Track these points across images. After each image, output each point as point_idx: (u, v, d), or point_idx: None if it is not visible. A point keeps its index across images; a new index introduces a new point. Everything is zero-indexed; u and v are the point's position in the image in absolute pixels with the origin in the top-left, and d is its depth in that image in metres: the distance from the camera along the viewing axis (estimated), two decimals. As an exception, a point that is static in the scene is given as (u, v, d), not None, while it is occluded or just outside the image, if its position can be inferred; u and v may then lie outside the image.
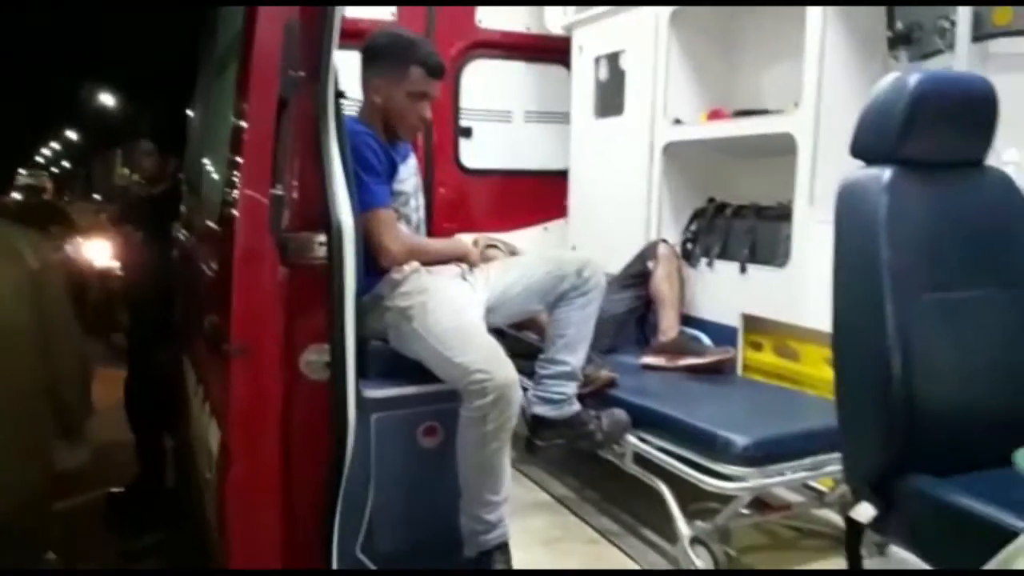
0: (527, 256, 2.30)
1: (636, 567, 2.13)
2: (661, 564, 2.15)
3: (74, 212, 7.57)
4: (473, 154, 3.67)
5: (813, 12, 2.36)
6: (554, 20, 3.51)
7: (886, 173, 1.45)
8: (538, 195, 3.67)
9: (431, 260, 2.12)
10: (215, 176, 2.31)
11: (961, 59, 2.04)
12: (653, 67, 2.97)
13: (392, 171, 2.14)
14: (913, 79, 1.44)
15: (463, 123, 3.65)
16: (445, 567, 1.95)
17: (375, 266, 2.03)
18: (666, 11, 2.91)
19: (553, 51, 3.56)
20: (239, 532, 1.68)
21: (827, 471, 1.99)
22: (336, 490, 1.69)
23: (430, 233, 2.70)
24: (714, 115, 2.82)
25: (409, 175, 2.22)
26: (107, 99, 20.12)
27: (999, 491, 1.26)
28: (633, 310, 2.85)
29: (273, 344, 1.61)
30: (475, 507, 1.86)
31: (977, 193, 1.53)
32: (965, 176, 1.53)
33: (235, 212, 1.61)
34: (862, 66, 2.38)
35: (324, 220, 1.64)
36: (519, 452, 2.27)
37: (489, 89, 3.68)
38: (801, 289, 2.35)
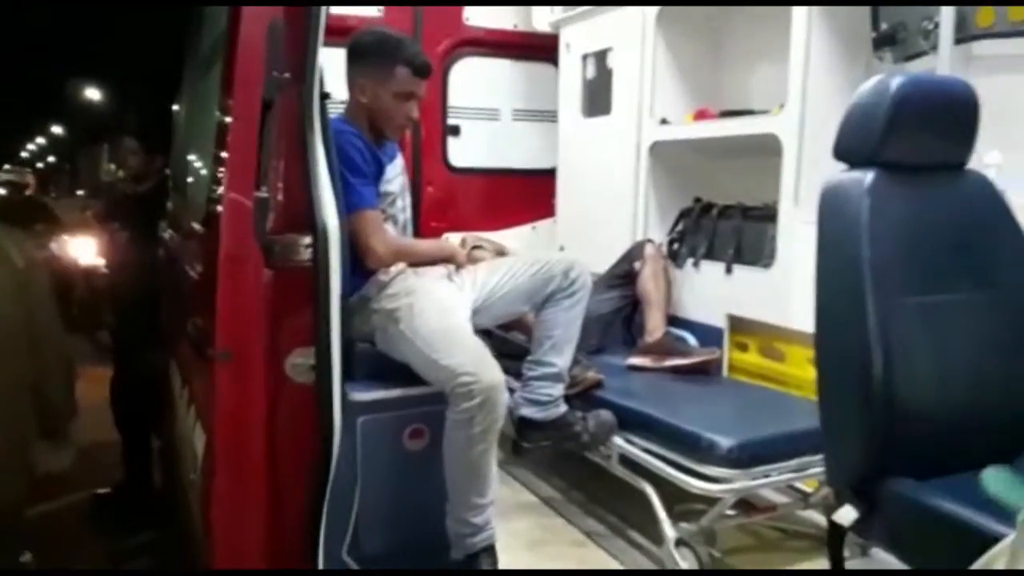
0: (514, 257, 2.30)
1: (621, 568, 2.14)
2: (646, 566, 2.15)
3: (59, 209, 7.51)
4: (461, 153, 3.66)
5: (798, 13, 2.37)
6: (541, 18, 3.50)
7: (868, 176, 1.45)
8: (526, 194, 3.66)
9: (418, 261, 2.12)
10: (199, 177, 2.29)
11: (944, 61, 2.05)
12: (640, 66, 2.97)
13: (379, 171, 2.13)
14: (895, 83, 1.44)
15: (451, 121, 3.64)
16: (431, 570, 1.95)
17: (362, 267, 2.02)
18: (653, 10, 2.91)
19: (541, 49, 3.56)
20: (224, 536, 1.68)
21: (811, 473, 2.00)
22: (322, 493, 1.68)
23: (417, 233, 2.70)
24: (700, 115, 2.83)
25: (396, 175, 2.22)
26: (92, 94, 19.95)
27: (978, 494, 1.27)
28: (620, 310, 2.86)
29: (258, 348, 1.60)
30: (461, 510, 1.86)
31: (958, 197, 1.54)
32: (946, 180, 1.54)
33: (219, 214, 1.60)
34: (847, 67, 2.39)
35: (309, 222, 1.64)
36: (506, 453, 2.28)
37: (477, 87, 3.67)
38: (786, 290, 2.36)
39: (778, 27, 2.45)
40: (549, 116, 3.58)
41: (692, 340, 2.73)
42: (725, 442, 1.91)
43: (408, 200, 2.28)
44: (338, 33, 2.03)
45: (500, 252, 2.47)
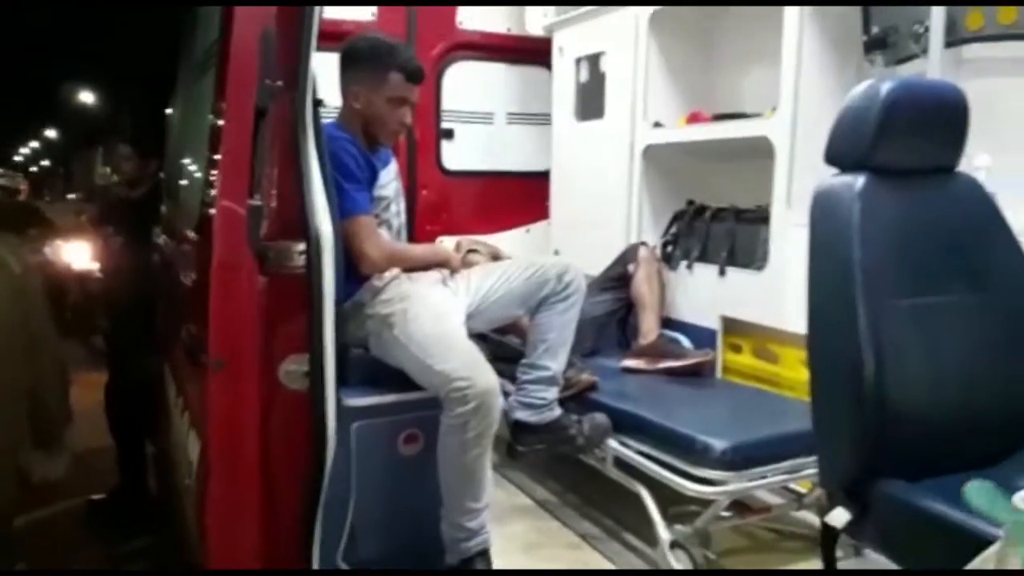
0: (508, 261, 2.31)
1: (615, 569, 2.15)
2: (641, 568, 2.16)
3: (53, 213, 7.48)
4: (455, 156, 3.66)
5: (790, 16, 2.38)
6: (535, 22, 3.51)
7: (859, 180, 1.46)
8: (520, 197, 3.66)
9: (412, 266, 2.12)
10: (193, 183, 2.30)
11: (934, 64, 2.06)
12: (633, 70, 2.98)
13: (372, 177, 2.13)
14: (885, 87, 1.45)
15: (445, 125, 3.64)
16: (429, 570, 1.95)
17: (356, 273, 2.02)
18: (645, 14, 2.92)
19: (534, 52, 3.56)
20: (219, 541, 1.68)
21: (805, 474, 2.01)
22: (316, 499, 1.69)
23: (412, 237, 2.70)
24: (693, 118, 2.83)
25: (390, 180, 2.22)
26: (87, 97, 19.90)
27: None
28: (614, 312, 2.87)
29: (252, 356, 1.61)
30: (456, 514, 1.86)
31: (948, 200, 1.55)
32: (937, 183, 1.55)
33: (213, 223, 1.60)
34: (838, 70, 2.40)
35: (303, 229, 1.64)
36: (500, 456, 2.28)
37: (471, 91, 3.67)
38: (779, 292, 2.37)
39: (770, 30, 2.46)
40: (543, 119, 3.58)
41: (686, 342, 2.74)
42: (719, 444, 1.92)
43: (402, 205, 2.29)
44: (332, 38, 2.03)
45: (495, 255, 2.47)
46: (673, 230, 2.95)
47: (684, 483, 1.97)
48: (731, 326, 2.66)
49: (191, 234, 2.07)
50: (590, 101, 3.25)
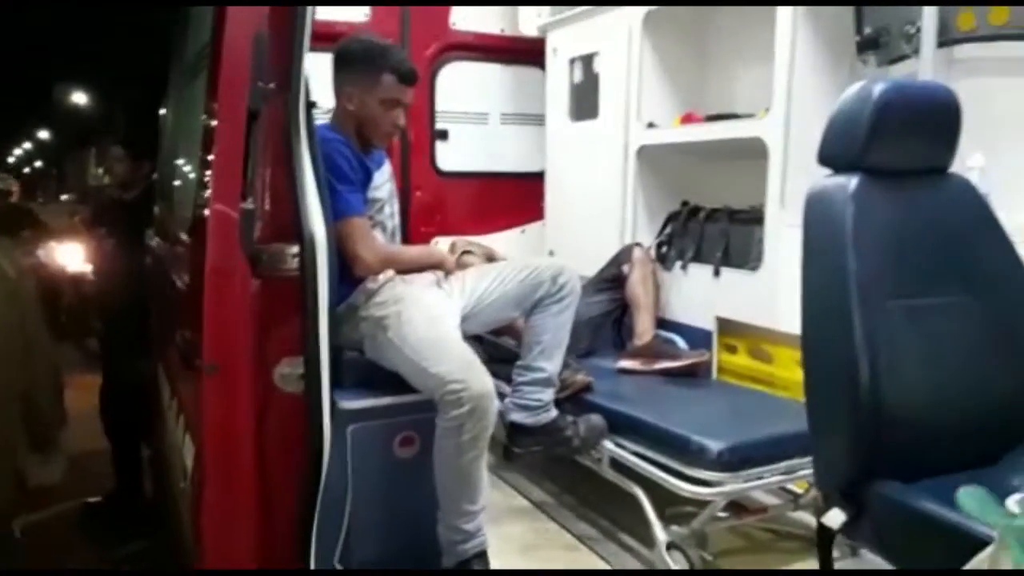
0: (503, 263, 2.30)
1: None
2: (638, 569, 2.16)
3: (45, 214, 7.45)
4: (450, 157, 3.66)
5: (783, 17, 2.38)
6: (528, 22, 3.51)
7: (852, 181, 1.46)
8: (515, 198, 3.67)
9: (406, 268, 2.12)
10: (185, 185, 2.29)
11: (926, 64, 2.06)
12: (626, 70, 2.98)
13: (366, 179, 2.13)
14: (877, 89, 1.45)
15: (439, 126, 3.63)
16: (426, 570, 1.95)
17: (350, 275, 2.02)
18: (639, 14, 2.92)
19: (528, 53, 3.56)
20: (214, 546, 1.68)
21: (801, 474, 2.01)
22: (313, 502, 1.69)
23: (407, 238, 2.70)
24: (687, 119, 2.84)
25: (383, 181, 2.22)
26: (79, 98, 19.83)
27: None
28: (609, 313, 2.87)
29: (246, 360, 1.60)
30: (453, 517, 1.86)
31: (942, 201, 1.55)
32: (930, 184, 1.55)
33: (205, 226, 1.60)
34: (832, 71, 2.41)
35: (296, 231, 1.64)
36: (497, 457, 2.28)
37: (465, 91, 3.67)
38: (774, 292, 2.37)
39: (763, 31, 2.46)
40: (537, 120, 3.58)
41: (681, 343, 2.75)
42: (715, 445, 1.92)
43: (396, 206, 2.29)
44: (325, 39, 2.03)
45: (489, 256, 2.47)
46: (667, 231, 2.95)
47: (680, 484, 1.97)
48: (726, 327, 2.67)
49: (184, 237, 2.07)
50: (584, 101, 3.25)
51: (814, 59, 2.39)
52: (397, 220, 2.28)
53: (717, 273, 2.65)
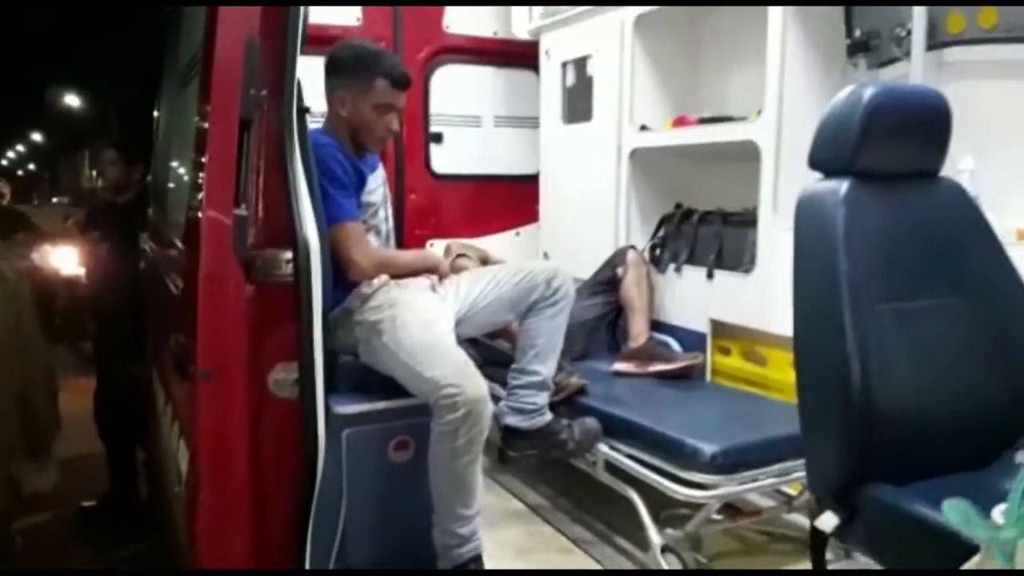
0: (497, 266, 2.31)
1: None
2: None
3: (38, 217, 7.43)
4: (444, 160, 3.66)
5: (774, 20, 2.39)
6: (521, 25, 3.51)
7: (843, 185, 1.47)
8: (510, 200, 3.67)
9: (400, 273, 2.12)
10: (178, 191, 2.29)
11: (916, 67, 2.07)
12: (619, 73, 2.99)
13: (360, 183, 2.13)
14: (867, 93, 1.46)
15: (433, 129, 3.63)
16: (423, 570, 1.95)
17: (344, 280, 2.02)
18: (631, 18, 2.93)
19: (521, 55, 3.56)
20: (209, 551, 1.68)
21: (795, 477, 2.01)
22: (307, 507, 1.69)
23: (401, 241, 2.70)
24: (679, 122, 2.84)
25: (377, 185, 2.22)
26: (72, 100, 19.77)
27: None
28: (603, 316, 2.87)
29: (240, 366, 1.61)
30: (448, 521, 1.87)
31: (932, 204, 1.56)
32: (920, 187, 1.56)
33: (199, 232, 1.60)
34: (823, 74, 2.42)
35: (290, 237, 1.64)
36: (492, 461, 2.28)
37: (459, 94, 3.67)
38: (767, 295, 2.38)
39: (756, 33, 2.47)
40: (531, 122, 3.59)
41: (675, 345, 2.75)
42: (708, 448, 1.93)
43: (390, 210, 2.29)
44: (318, 42, 2.03)
45: (484, 258, 2.48)
46: (661, 233, 2.96)
47: (674, 487, 1.97)
48: (720, 329, 2.67)
49: (178, 242, 2.07)
50: (577, 104, 3.25)
51: (805, 62, 2.40)
52: (391, 224, 2.28)
53: (711, 275, 2.66)
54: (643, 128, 2.94)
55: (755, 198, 2.46)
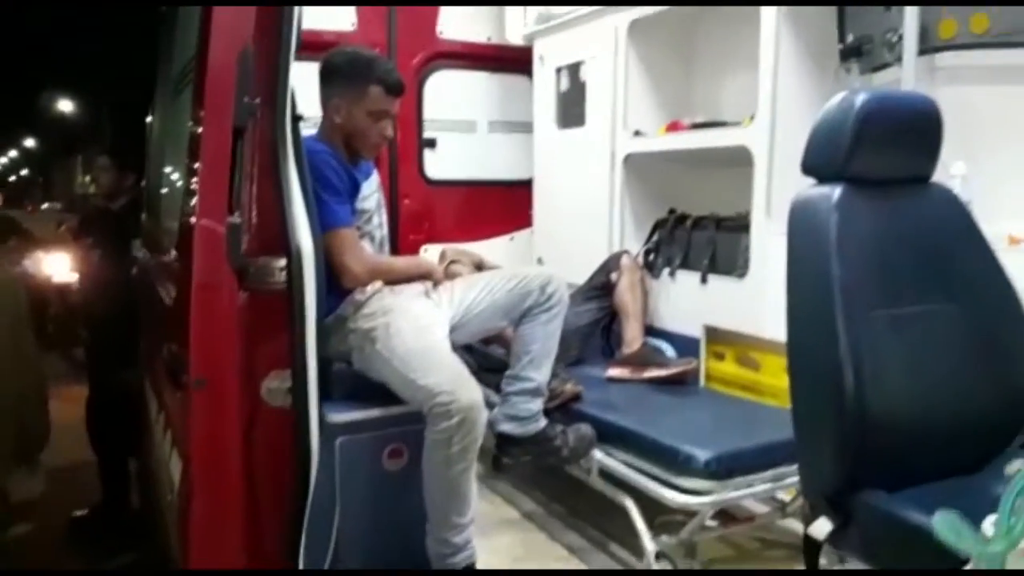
0: (491, 272, 2.31)
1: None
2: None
3: (32, 223, 7.42)
4: (438, 165, 3.66)
5: (767, 25, 2.39)
6: (515, 30, 3.52)
7: (836, 191, 1.47)
8: (504, 205, 3.67)
9: (394, 279, 2.11)
10: (172, 198, 2.28)
11: (908, 72, 2.08)
12: (612, 78, 3.00)
13: (354, 190, 2.13)
14: (859, 99, 1.46)
15: (427, 134, 3.63)
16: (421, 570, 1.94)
17: (338, 287, 2.02)
18: (624, 23, 2.93)
19: (515, 61, 3.57)
20: (202, 561, 1.67)
21: (789, 483, 2.01)
22: (301, 516, 1.68)
23: (395, 247, 2.69)
24: (672, 127, 2.85)
25: (371, 192, 2.22)
26: (65, 106, 19.72)
27: (947, 504, 1.29)
28: (598, 321, 2.87)
29: (233, 374, 1.60)
30: (442, 530, 1.86)
31: (923, 209, 1.56)
32: (912, 193, 1.57)
33: (192, 240, 1.59)
34: (816, 79, 2.42)
35: (284, 244, 1.64)
36: (486, 468, 2.28)
37: (452, 99, 3.67)
38: (760, 300, 2.38)
39: (748, 39, 2.48)
40: (524, 127, 3.59)
41: (670, 350, 2.75)
42: (702, 454, 1.93)
43: (384, 217, 2.29)
44: (312, 48, 2.03)
45: (478, 264, 2.47)
46: (655, 238, 2.96)
47: (669, 493, 1.97)
48: (714, 334, 2.67)
49: (170, 249, 2.06)
50: (571, 109, 3.26)
51: (798, 67, 2.41)
52: (385, 230, 2.28)
53: (704, 280, 2.66)
54: (637, 133, 2.94)
55: (748, 203, 2.46)
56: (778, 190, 2.34)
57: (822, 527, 1.41)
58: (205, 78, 1.57)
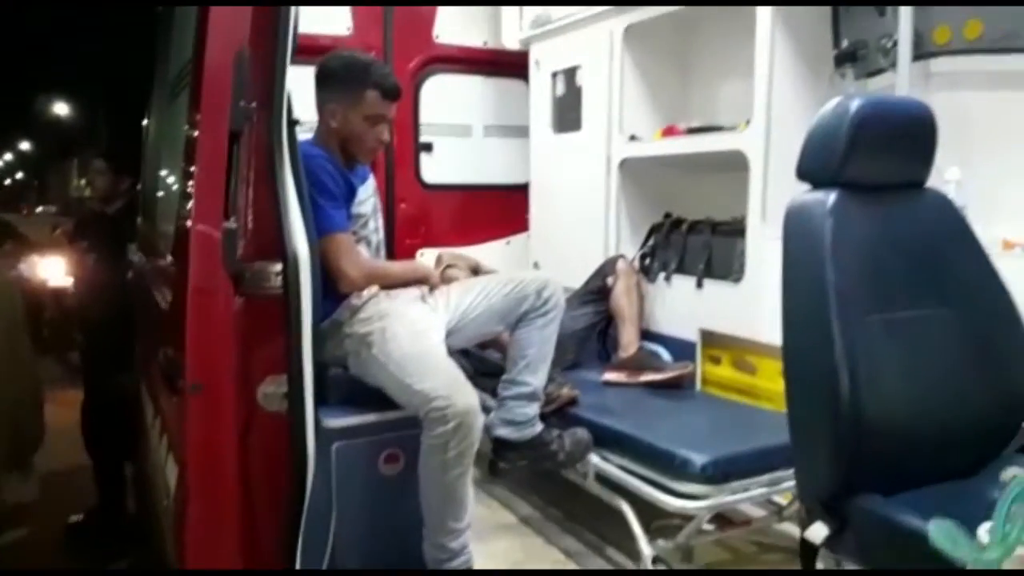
0: (487, 277, 2.31)
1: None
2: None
3: (26, 227, 7.39)
4: (434, 169, 3.67)
5: (762, 30, 2.41)
6: (511, 35, 3.52)
7: (831, 196, 1.48)
8: (500, 209, 3.68)
9: (391, 284, 2.11)
10: (167, 202, 2.28)
11: (903, 78, 2.09)
12: (608, 83, 3.00)
13: (350, 194, 2.13)
14: (854, 105, 1.47)
15: (423, 138, 3.64)
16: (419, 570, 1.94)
17: (334, 291, 2.02)
18: (620, 27, 2.94)
19: (511, 65, 3.58)
20: (198, 566, 1.66)
21: (785, 487, 2.01)
22: (297, 521, 1.68)
23: (391, 251, 2.69)
24: (668, 132, 2.86)
25: (368, 196, 2.22)
26: (61, 109, 19.69)
27: (943, 508, 1.29)
28: (594, 325, 2.87)
29: (229, 379, 1.60)
30: (438, 535, 1.86)
31: (918, 214, 1.57)
32: (907, 198, 1.57)
33: (188, 245, 1.59)
34: (811, 84, 2.43)
35: (280, 249, 1.64)
36: (482, 472, 2.27)
37: (449, 104, 3.68)
38: (756, 304, 2.39)
39: (743, 44, 2.49)
40: (521, 132, 3.59)
41: (666, 354, 2.76)
42: (699, 459, 1.93)
43: (381, 221, 2.29)
44: (309, 52, 2.03)
45: (475, 268, 2.47)
46: (651, 242, 2.97)
47: (665, 498, 1.97)
48: (710, 338, 2.68)
49: (166, 254, 2.06)
50: (567, 114, 3.26)
51: (793, 72, 2.42)
52: (382, 235, 2.28)
53: (700, 285, 2.67)
54: (632, 138, 2.95)
55: (744, 207, 2.47)
56: (773, 195, 2.35)
57: (818, 531, 1.42)
58: (201, 80, 1.57)
